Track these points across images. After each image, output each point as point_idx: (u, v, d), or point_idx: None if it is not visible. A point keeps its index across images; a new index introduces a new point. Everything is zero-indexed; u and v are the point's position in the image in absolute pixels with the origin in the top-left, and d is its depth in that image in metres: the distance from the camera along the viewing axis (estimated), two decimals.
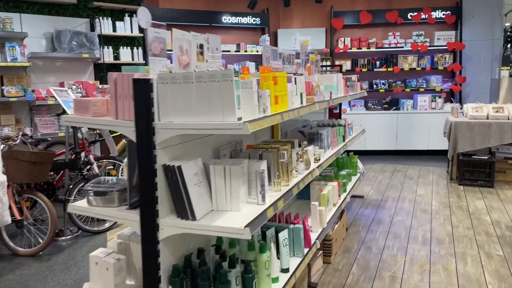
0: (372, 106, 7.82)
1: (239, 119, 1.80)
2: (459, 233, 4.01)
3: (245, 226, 1.83)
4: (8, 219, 3.51)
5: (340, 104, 5.63)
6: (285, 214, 2.97)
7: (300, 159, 2.74)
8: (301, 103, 2.75)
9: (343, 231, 3.92)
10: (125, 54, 6.69)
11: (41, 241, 3.72)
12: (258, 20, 7.65)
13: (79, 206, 2.19)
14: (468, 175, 5.75)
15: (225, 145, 2.49)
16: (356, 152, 7.43)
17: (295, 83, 2.66)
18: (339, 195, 3.87)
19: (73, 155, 4.26)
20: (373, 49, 7.76)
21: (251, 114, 1.93)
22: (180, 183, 1.92)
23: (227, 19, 7.43)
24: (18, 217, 3.67)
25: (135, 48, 6.81)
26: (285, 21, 8.15)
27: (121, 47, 6.70)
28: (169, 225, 1.96)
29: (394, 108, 7.70)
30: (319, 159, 3.14)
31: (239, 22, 7.53)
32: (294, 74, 3.37)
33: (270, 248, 2.34)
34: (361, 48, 7.78)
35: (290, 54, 3.75)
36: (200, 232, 1.90)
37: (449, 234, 3.97)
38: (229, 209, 2.05)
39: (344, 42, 7.79)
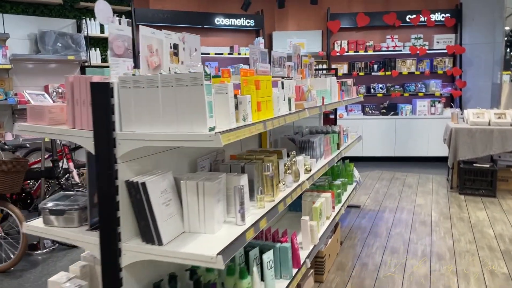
0: (370, 111, 7.59)
1: (211, 129, 1.55)
2: (461, 247, 3.76)
3: (218, 254, 1.57)
4: None
5: (336, 109, 5.39)
6: (272, 230, 2.72)
7: (288, 171, 2.49)
8: (289, 109, 2.50)
9: (337, 246, 3.67)
10: None
11: (12, 256, 3.46)
12: (252, 22, 7.42)
13: (35, 226, 1.93)
14: (469, 184, 5.51)
15: (204, 155, 2.24)
16: (353, 159, 7.21)
17: (282, 88, 2.41)
18: (333, 207, 3.62)
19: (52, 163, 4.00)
20: (370, 52, 7.53)
21: (227, 123, 1.68)
22: (145, 202, 1.67)
23: (220, 20, 7.20)
24: None
25: None
26: (280, 23, 7.92)
27: None
28: (132, 250, 1.71)
29: (392, 113, 7.47)
30: (310, 170, 2.89)
31: (233, 24, 7.30)
32: (284, 77, 3.13)
33: (252, 272, 2.09)
34: (358, 51, 7.55)
35: (281, 56, 3.51)
36: (167, 259, 1.65)
37: (450, 249, 3.73)
38: (203, 231, 1.80)
39: (340, 45, 7.56)
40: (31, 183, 4.36)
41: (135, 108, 1.64)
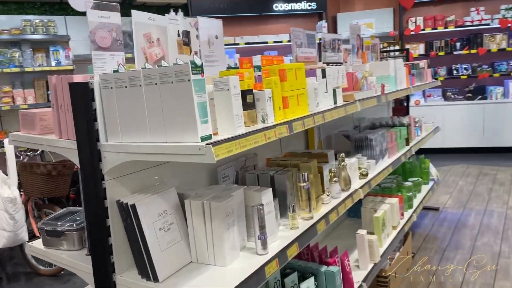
0: (452, 96, 6.67)
1: (204, 138, 1.18)
2: None
3: None
4: (25, 237, 3.25)
5: (408, 96, 4.70)
6: (321, 246, 2.30)
7: (334, 179, 2.03)
8: (335, 102, 2.04)
9: (406, 261, 3.11)
10: None
11: None
12: (314, 5, 6.87)
13: (36, 247, 1.73)
14: None
15: (227, 162, 1.88)
16: (432, 151, 6.39)
17: (324, 76, 1.96)
18: (402, 214, 3.07)
19: None
20: (451, 28, 6.58)
21: (231, 129, 1.29)
22: (136, 228, 1.35)
23: (279, 6, 6.76)
24: (37, 234, 3.40)
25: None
26: (345, 4, 7.26)
27: None
28: (128, 286, 1.41)
29: (479, 97, 6.48)
30: (367, 175, 2.40)
31: (293, 8, 6.82)
32: (330, 64, 2.66)
33: None
34: (436, 28, 6.65)
35: (335, 39, 3.03)
36: None
37: None
38: (212, 263, 1.44)
39: (415, 22, 6.71)
40: None
41: (119, 113, 1.33)
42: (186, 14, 6.46)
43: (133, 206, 1.34)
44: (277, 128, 1.44)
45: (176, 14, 6.42)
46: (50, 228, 1.64)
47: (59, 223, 1.66)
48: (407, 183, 3.41)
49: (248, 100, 1.47)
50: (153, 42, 1.54)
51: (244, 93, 1.46)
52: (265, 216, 1.50)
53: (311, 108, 1.79)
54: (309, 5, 6.85)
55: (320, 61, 2.97)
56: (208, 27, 1.89)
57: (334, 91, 2.04)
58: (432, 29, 6.67)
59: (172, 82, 1.18)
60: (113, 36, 1.43)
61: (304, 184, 1.76)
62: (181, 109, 1.18)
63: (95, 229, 1.41)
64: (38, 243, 1.74)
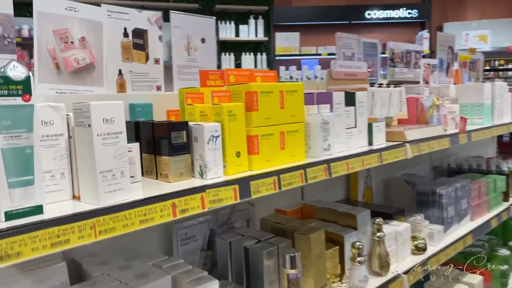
0: None
1: (16, 214, 0.64)
2: None
3: None
4: None
5: None
6: None
7: (358, 258, 1.34)
8: (370, 143, 1.35)
9: None
10: (248, 61, 5.97)
11: None
12: (415, 13, 5.92)
13: None
14: None
15: (202, 215, 1.31)
16: None
17: (351, 104, 1.28)
18: None
19: None
20: None
21: (94, 195, 0.73)
22: None
23: (372, 13, 5.96)
24: None
25: (259, 54, 6.02)
26: (454, 12, 6.16)
27: (244, 53, 5.99)
28: None
29: None
30: (424, 249, 1.63)
31: (389, 16, 5.96)
32: (387, 84, 1.93)
33: None
34: None
35: (409, 50, 2.31)
36: None
37: None
38: None
39: None
40: None
41: None
42: (267, 22, 6.03)
43: None
44: (208, 192, 0.84)
45: (256, 22, 6.04)
46: None
47: None
48: (503, 251, 2.46)
49: (180, 139, 0.90)
50: (71, 42, 1.07)
51: (172, 128, 0.90)
52: None
53: (314, 152, 1.14)
54: (409, 13, 5.92)
55: (385, 79, 2.27)
56: (187, 25, 1.37)
57: (371, 125, 1.35)
58: None
59: None
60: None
61: (292, 271, 1.12)
62: None
63: None
64: None
